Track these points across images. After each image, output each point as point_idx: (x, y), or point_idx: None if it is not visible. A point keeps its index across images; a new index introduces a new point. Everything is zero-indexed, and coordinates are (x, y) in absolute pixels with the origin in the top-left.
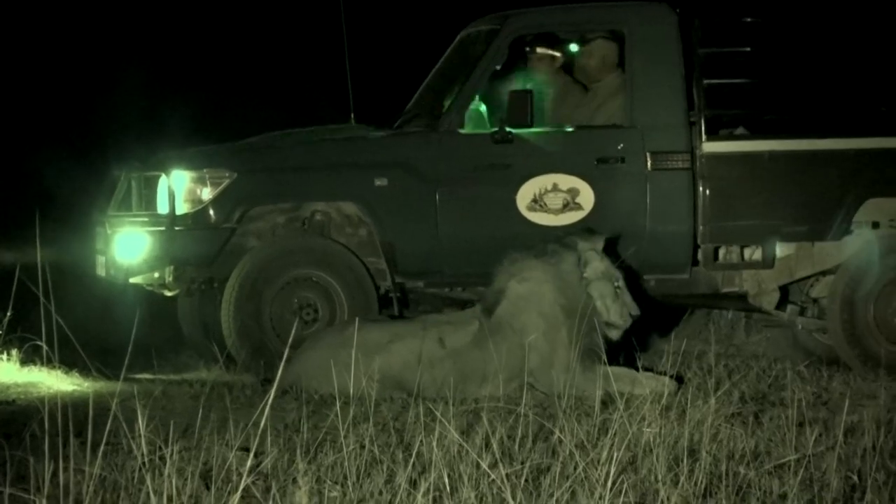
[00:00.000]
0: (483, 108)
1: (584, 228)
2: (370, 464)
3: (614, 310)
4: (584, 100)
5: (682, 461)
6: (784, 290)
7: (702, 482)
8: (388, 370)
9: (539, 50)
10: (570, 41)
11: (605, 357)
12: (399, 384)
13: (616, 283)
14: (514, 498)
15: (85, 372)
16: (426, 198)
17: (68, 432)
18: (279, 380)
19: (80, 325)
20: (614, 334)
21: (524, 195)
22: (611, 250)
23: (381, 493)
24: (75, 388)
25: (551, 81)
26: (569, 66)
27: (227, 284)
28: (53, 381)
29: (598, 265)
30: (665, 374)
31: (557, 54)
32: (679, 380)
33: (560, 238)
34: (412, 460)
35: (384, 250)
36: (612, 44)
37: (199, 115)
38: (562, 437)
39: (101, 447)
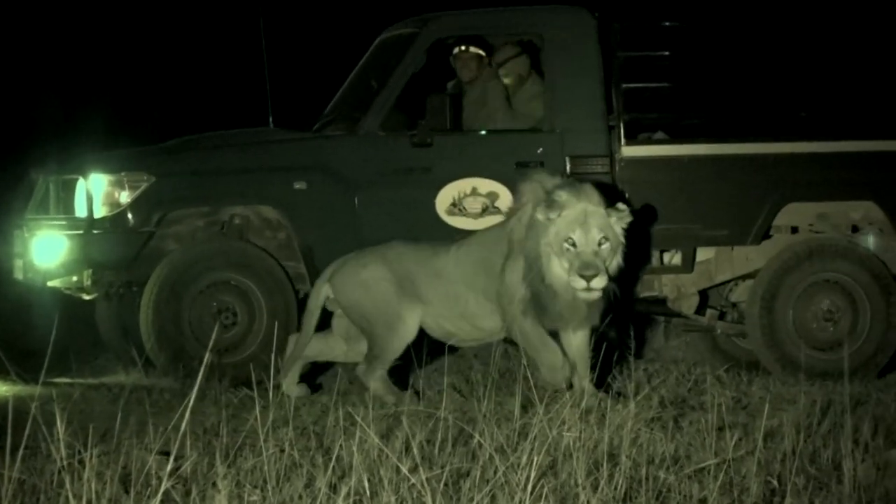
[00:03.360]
0: None
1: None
2: (290, 468)
3: (560, 270)
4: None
5: (602, 465)
6: (703, 295)
7: (621, 486)
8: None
9: (469, 49)
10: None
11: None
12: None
13: (567, 242)
14: (434, 502)
15: (3, 375)
16: (345, 201)
17: None
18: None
19: None
20: (580, 295)
21: (443, 199)
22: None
23: (300, 497)
24: None
25: (478, 83)
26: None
27: (146, 288)
28: None
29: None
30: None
31: (483, 54)
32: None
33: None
34: (332, 464)
35: (303, 254)
36: (524, 57)
37: (116, 118)
38: (482, 441)
39: (20, 451)
